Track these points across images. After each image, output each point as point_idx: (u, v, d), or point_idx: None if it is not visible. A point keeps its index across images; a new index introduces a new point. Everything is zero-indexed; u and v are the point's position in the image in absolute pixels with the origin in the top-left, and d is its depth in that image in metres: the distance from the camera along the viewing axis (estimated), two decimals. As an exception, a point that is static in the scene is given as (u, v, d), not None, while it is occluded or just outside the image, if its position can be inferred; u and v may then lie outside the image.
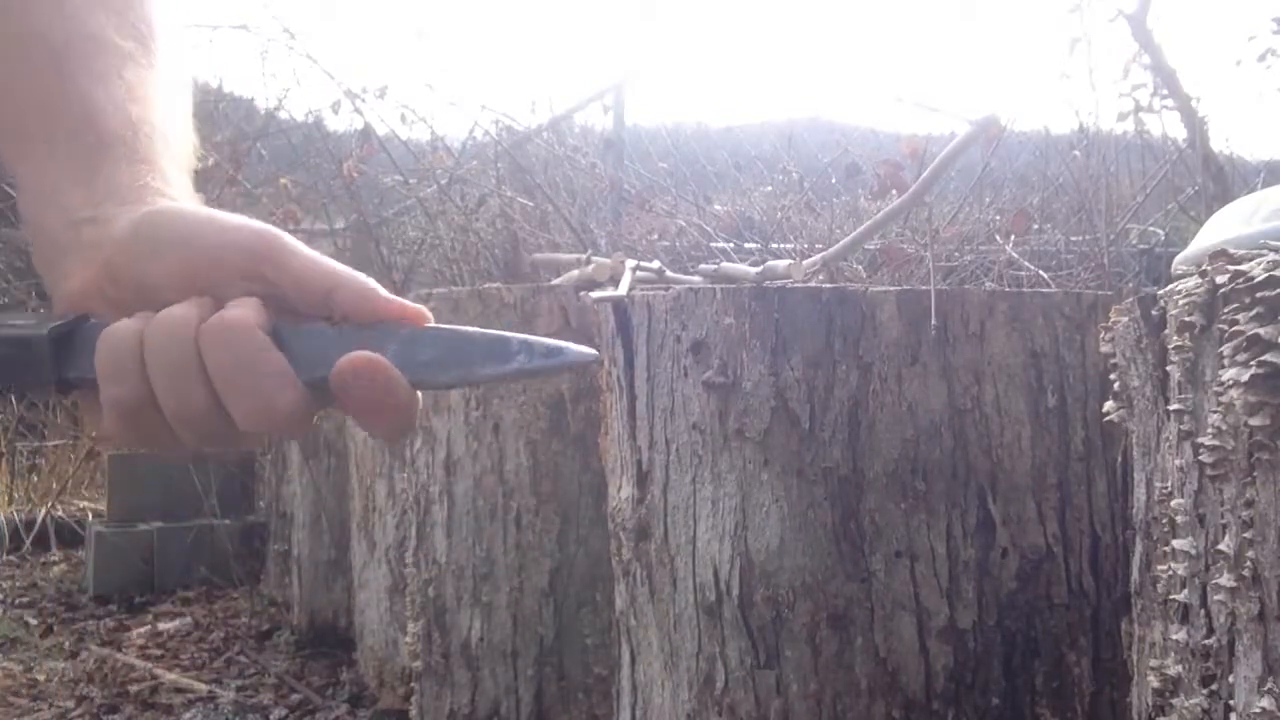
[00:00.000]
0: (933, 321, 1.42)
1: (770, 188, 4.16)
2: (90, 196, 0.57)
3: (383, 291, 0.54)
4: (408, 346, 0.52)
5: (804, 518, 1.45)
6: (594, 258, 2.53)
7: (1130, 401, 1.13)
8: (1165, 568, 1.05)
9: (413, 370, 0.52)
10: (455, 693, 2.25)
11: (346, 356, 0.51)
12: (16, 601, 4.02)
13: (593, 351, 0.53)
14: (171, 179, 0.60)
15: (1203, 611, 0.99)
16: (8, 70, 0.61)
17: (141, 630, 3.64)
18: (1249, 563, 0.93)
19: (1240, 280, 0.92)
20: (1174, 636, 1.03)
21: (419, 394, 0.53)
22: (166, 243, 0.55)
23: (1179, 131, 3.00)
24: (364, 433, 0.61)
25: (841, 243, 2.33)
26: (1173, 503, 1.03)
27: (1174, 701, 1.03)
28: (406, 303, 0.54)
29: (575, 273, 2.56)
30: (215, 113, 4.81)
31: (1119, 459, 1.46)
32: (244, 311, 0.52)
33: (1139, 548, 1.13)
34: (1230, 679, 0.96)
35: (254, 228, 0.56)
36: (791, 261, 1.84)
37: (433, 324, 0.54)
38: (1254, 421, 0.90)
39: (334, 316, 0.54)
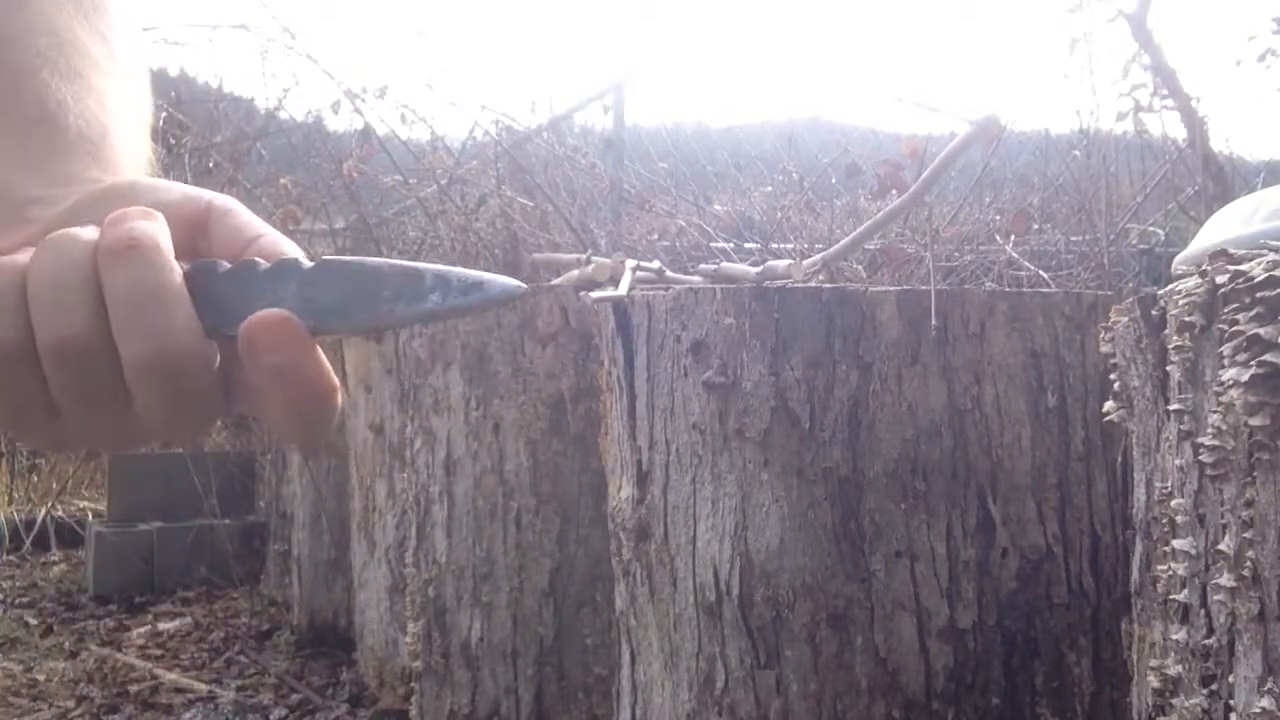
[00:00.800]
0: (933, 321, 1.42)
1: (770, 188, 4.17)
2: (42, 179, 0.53)
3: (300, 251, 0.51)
4: (308, 286, 0.47)
5: (804, 518, 1.45)
6: (594, 258, 2.53)
7: (1130, 401, 1.13)
8: (1165, 568, 1.05)
9: (314, 316, 0.47)
10: (455, 693, 2.25)
11: (255, 314, 0.46)
12: (16, 601, 4.02)
13: (517, 283, 0.48)
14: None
15: (1203, 611, 0.99)
16: None
17: (141, 630, 3.64)
18: (1249, 563, 0.93)
19: (1240, 280, 0.92)
20: (1174, 636, 1.03)
21: (337, 388, 0.48)
22: (113, 204, 0.49)
23: (1179, 131, 3.00)
24: (283, 429, 0.55)
25: (841, 243, 2.33)
26: (1173, 503, 1.03)
27: (1174, 701, 1.03)
28: None
29: (575, 273, 2.56)
30: (215, 113, 4.81)
31: (1119, 459, 1.46)
32: (153, 228, 0.47)
33: (1139, 548, 1.13)
34: (1230, 679, 0.96)
35: (213, 192, 0.53)
36: (791, 261, 1.84)
37: (334, 257, 0.49)
38: (1254, 421, 0.90)
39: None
